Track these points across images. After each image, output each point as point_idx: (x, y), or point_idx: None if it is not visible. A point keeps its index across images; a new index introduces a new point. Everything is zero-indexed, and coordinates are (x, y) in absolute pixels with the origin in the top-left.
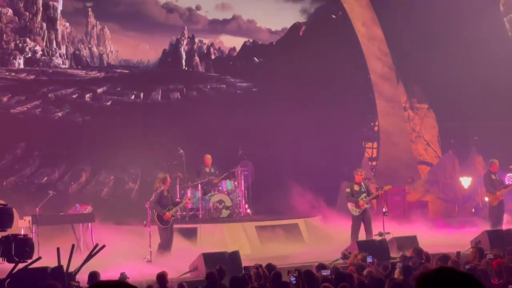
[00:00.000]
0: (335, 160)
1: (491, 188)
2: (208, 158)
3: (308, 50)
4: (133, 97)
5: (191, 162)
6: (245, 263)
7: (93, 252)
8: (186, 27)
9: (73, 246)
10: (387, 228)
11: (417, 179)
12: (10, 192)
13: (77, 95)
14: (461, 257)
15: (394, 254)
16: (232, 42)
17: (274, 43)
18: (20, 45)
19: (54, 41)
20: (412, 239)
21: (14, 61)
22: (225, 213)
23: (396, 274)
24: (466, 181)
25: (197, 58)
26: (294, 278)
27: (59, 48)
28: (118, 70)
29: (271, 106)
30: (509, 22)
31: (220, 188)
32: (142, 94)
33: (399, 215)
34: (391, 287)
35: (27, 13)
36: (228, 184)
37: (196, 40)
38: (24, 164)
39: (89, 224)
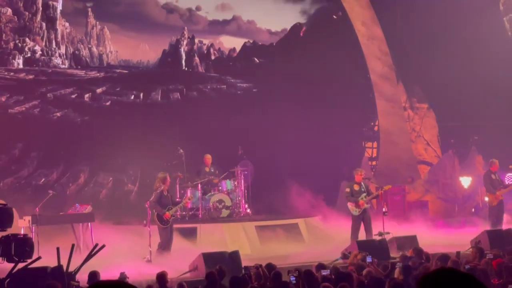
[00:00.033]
0: (335, 160)
1: (491, 188)
2: (208, 158)
3: (308, 51)
4: (132, 97)
5: (191, 162)
6: (245, 263)
7: (93, 252)
8: (186, 28)
9: (73, 245)
10: (387, 228)
11: (417, 179)
12: (9, 193)
13: (76, 95)
14: (461, 257)
15: (394, 254)
16: (232, 42)
17: (274, 44)
18: (20, 44)
19: (54, 41)
20: (412, 239)
21: (13, 60)
22: (225, 212)
23: (396, 274)
24: (466, 181)
25: (197, 59)
26: (294, 278)
27: (59, 48)
28: (118, 70)
29: (271, 106)
30: (509, 22)
31: (220, 187)
32: (141, 94)
33: (399, 215)
34: (391, 287)
35: (27, 13)
36: (228, 184)
37: (196, 40)
38: (21, 165)
39: (89, 224)
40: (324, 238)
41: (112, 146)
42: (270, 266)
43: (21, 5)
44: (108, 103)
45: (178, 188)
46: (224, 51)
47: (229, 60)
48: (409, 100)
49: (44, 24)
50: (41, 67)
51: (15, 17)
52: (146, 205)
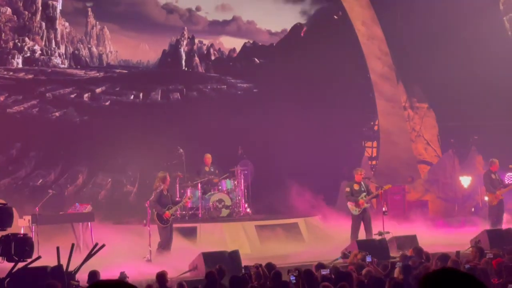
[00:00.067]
0: (335, 159)
1: (491, 187)
2: (208, 157)
3: (308, 51)
4: (132, 97)
5: (191, 162)
6: (244, 262)
7: (93, 252)
8: (186, 28)
9: (72, 245)
10: (387, 228)
11: (417, 179)
12: (5, 193)
13: (75, 94)
14: (461, 256)
15: (394, 253)
16: (232, 43)
17: (274, 44)
18: (19, 44)
19: (53, 40)
20: (412, 239)
21: (13, 60)
22: (224, 212)
23: (396, 273)
24: (466, 181)
25: (197, 59)
26: (294, 278)
27: (58, 48)
28: (117, 70)
29: (271, 106)
30: (509, 22)
31: (219, 187)
32: (141, 94)
33: (399, 215)
34: (392, 286)
35: (26, 12)
36: (227, 183)
37: (196, 41)
38: (19, 165)
39: (89, 223)
40: (324, 237)
41: (111, 147)
42: (270, 266)
43: (21, 4)
44: (107, 103)
45: (178, 187)
46: (224, 52)
47: (229, 60)
48: (409, 100)
49: (43, 24)
50: (40, 67)
51: (15, 16)
52: (146, 205)
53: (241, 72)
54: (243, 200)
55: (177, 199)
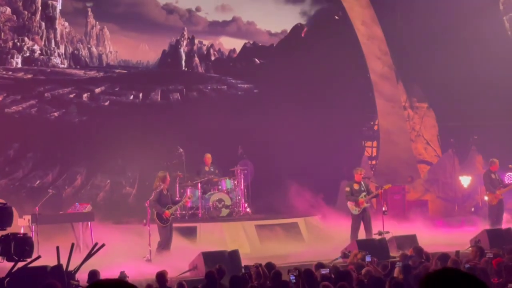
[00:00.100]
0: (334, 159)
1: (490, 187)
2: (208, 157)
3: (308, 51)
4: (131, 97)
5: (191, 162)
6: (244, 262)
7: (93, 251)
8: (186, 28)
9: (72, 245)
10: (387, 227)
11: (416, 178)
12: (2, 194)
13: (74, 94)
14: (461, 256)
15: (394, 253)
16: (232, 43)
17: (275, 45)
18: (18, 44)
19: (53, 40)
20: (412, 238)
21: (12, 60)
22: (224, 212)
23: (396, 273)
24: (465, 180)
25: (197, 59)
26: (294, 277)
27: (58, 48)
28: (117, 71)
29: (271, 106)
30: (509, 21)
31: (219, 187)
32: (141, 95)
33: (399, 214)
34: (392, 286)
35: (26, 12)
36: (227, 183)
37: (196, 41)
38: (16, 166)
39: (89, 223)
40: (324, 237)
41: (110, 147)
42: (270, 265)
43: (20, 4)
44: (106, 103)
45: (178, 187)
46: (224, 52)
47: (229, 61)
48: (409, 99)
49: (43, 24)
50: (39, 67)
51: (14, 16)
52: (146, 204)
53: (241, 73)
54: (243, 200)
55: (177, 198)
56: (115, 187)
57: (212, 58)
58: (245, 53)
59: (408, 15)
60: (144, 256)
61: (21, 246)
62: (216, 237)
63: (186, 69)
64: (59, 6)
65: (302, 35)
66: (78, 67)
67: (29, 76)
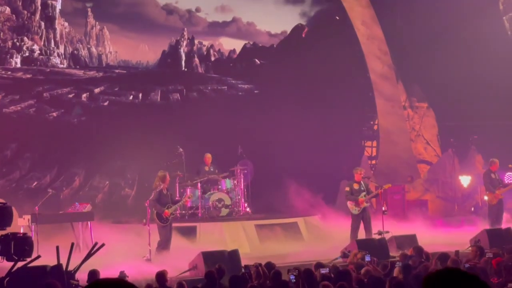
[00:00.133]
0: (334, 159)
1: (490, 187)
2: (208, 157)
3: (309, 51)
4: (131, 97)
5: (191, 162)
6: (244, 261)
7: (93, 251)
8: (185, 29)
9: (72, 244)
10: (387, 227)
11: (416, 178)
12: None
13: (73, 94)
14: (461, 255)
15: (394, 253)
16: (231, 44)
17: (275, 45)
18: (18, 43)
19: (52, 40)
20: (412, 238)
21: (11, 59)
22: (224, 211)
23: (396, 273)
24: (465, 180)
25: (196, 60)
26: (293, 277)
27: (57, 48)
28: (117, 71)
29: (271, 106)
30: (509, 21)
31: (219, 186)
32: (140, 95)
33: (399, 214)
34: (392, 286)
35: (25, 12)
36: (227, 183)
37: (196, 41)
38: (13, 167)
39: (89, 222)
40: (324, 237)
41: (109, 148)
42: (269, 265)
43: (20, 3)
44: (106, 103)
45: (177, 187)
46: (224, 53)
47: (229, 61)
48: (409, 99)
49: (43, 23)
50: (39, 67)
51: (14, 15)
52: (146, 204)
53: (241, 73)
54: (242, 200)
55: (176, 198)
56: (114, 189)
57: (212, 58)
58: (245, 54)
59: (408, 15)
60: (144, 255)
61: (20, 246)
62: (216, 236)
63: (186, 69)
64: (58, 6)
65: (303, 35)
66: (78, 67)
67: (28, 76)
